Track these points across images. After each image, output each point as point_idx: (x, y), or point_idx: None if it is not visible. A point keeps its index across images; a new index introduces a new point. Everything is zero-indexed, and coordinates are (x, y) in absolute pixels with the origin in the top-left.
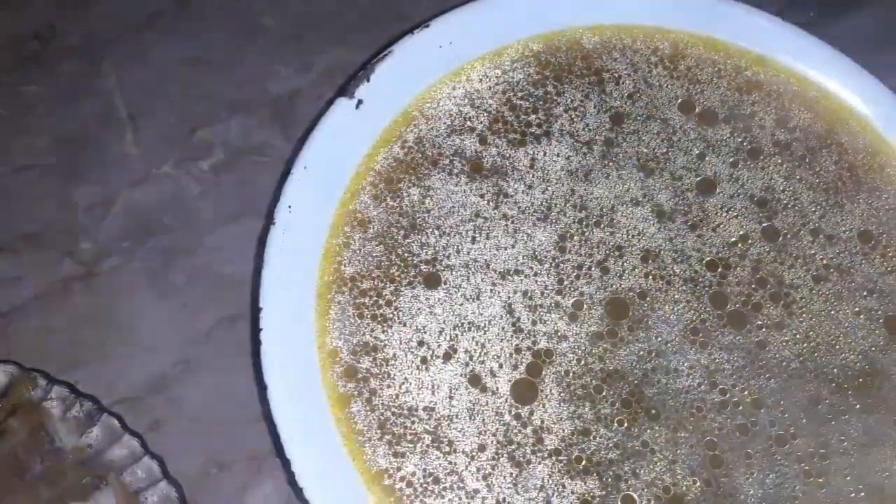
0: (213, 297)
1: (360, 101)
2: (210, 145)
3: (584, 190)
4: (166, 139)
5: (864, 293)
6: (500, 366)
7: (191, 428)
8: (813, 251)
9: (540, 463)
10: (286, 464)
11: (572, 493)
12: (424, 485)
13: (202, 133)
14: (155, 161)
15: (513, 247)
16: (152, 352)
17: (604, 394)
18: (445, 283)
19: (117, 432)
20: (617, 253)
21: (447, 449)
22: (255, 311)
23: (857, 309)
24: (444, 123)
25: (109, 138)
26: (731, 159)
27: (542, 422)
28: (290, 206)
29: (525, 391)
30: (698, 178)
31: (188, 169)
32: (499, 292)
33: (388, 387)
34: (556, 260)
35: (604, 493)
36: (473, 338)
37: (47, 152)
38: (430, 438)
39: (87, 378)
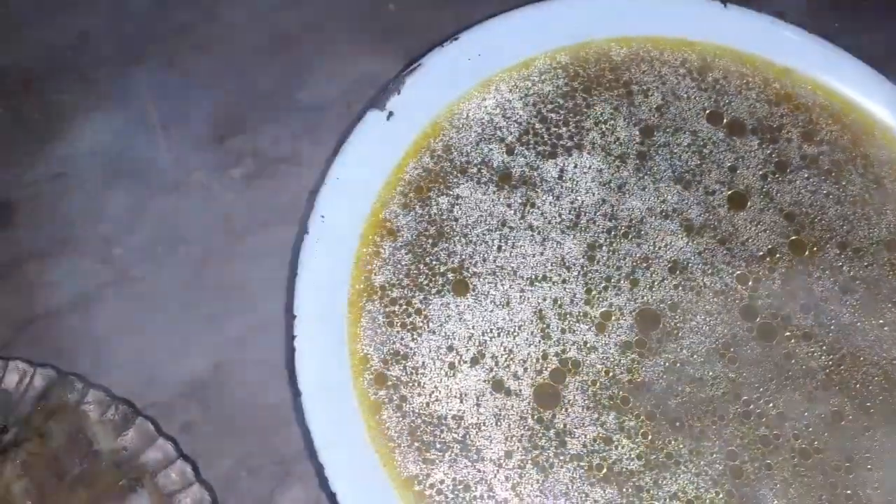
0: (245, 304)
1: (391, 113)
2: (241, 154)
3: (616, 200)
4: (197, 148)
5: (890, 305)
6: (525, 370)
7: (222, 432)
8: (840, 263)
9: (562, 467)
10: (319, 469)
11: (595, 501)
12: (455, 492)
13: (233, 142)
14: (186, 169)
15: (541, 254)
16: (185, 357)
17: (630, 405)
18: (474, 290)
19: (152, 435)
20: (644, 264)
21: (475, 457)
22: (290, 318)
23: (881, 321)
24: (475, 132)
25: (141, 146)
26: (760, 172)
27: (565, 426)
28: (322, 216)
29: (548, 396)
30: (730, 192)
31: (219, 177)
32: (528, 298)
33: (419, 395)
34: (585, 268)
35: (625, 502)
36: (502, 343)
37: (81, 160)
38: (459, 447)
39: (121, 382)
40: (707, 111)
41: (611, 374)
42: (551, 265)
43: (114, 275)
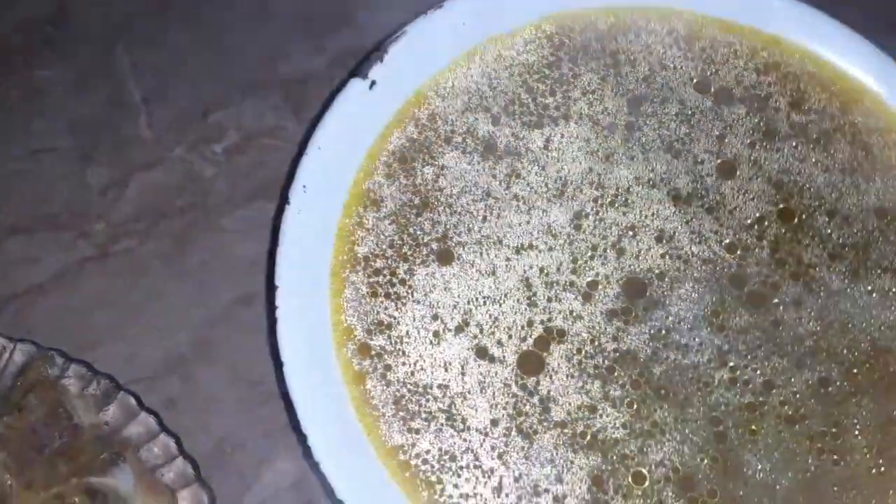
0: (228, 277)
1: (373, 82)
2: (223, 128)
3: (603, 169)
4: (179, 122)
5: (879, 271)
6: (510, 337)
7: (206, 406)
8: (829, 231)
9: (546, 433)
10: (302, 439)
11: (580, 468)
12: (441, 462)
13: (215, 116)
14: (168, 144)
15: (527, 223)
16: (167, 332)
17: (615, 374)
18: (459, 259)
19: (134, 410)
20: (631, 233)
21: (461, 426)
22: (271, 289)
23: (870, 287)
24: (460, 101)
25: (123, 121)
26: (748, 140)
27: (549, 392)
28: (304, 186)
29: (532, 363)
30: (719, 161)
31: (202, 152)
32: (514, 267)
33: (403, 364)
34: (572, 237)
35: (611, 468)
36: (487, 311)
37: (62, 135)
38: (445, 416)
39: (102, 358)
40: (694, 80)
41: (596, 342)
42: (537, 234)
43: (95, 250)
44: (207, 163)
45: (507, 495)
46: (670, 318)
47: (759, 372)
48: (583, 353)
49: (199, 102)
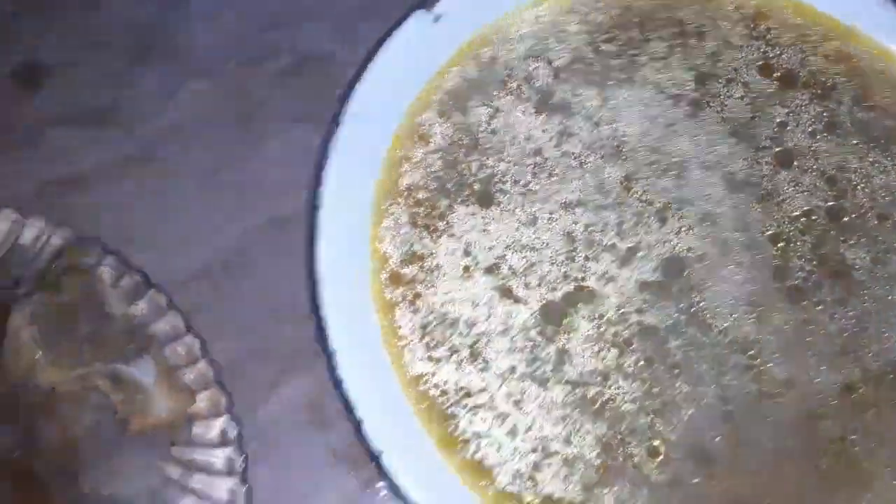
0: (268, 196)
1: (438, 16)
2: (278, 48)
3: (662, 135)
4: (236, 37)
5: None
6: (539, 285)
7: (232, 317)
8: (877, 234)
9: (557, 386)
10: (329, 356)
11: (587, 432)
12: (458, 395)
13: (272, 35)
14: (222, 57)
15: (578, 179)
16: (203, 240)
17: (633, 347)
18: (500, 205)
19: (162, 308)
20: (678, 208)
21: (482, 366)
22: (312, 208)
23: None
24: (524, 47)
25: (180, 28)
26: (809, 129)
27: (566, 348)
28: (355, 113)
29: (555, 315)
30: (778, 150)
31: (254, 69)
32: (557, 220)
33: (433, 295)
34: (620, 200)
35: (618, 439)
36: (523, 257)
37: (118, 33)
38: (468, 353)
39: (136, 256)
40: (759, 62)
41: (622, 310)
42: (586, 191)
43: (139, 151)
44: (258, 80)
45: (522, 441)
46: (703, 302)
47: (782, 365)
48: (605, 318)
49: (257, 19)
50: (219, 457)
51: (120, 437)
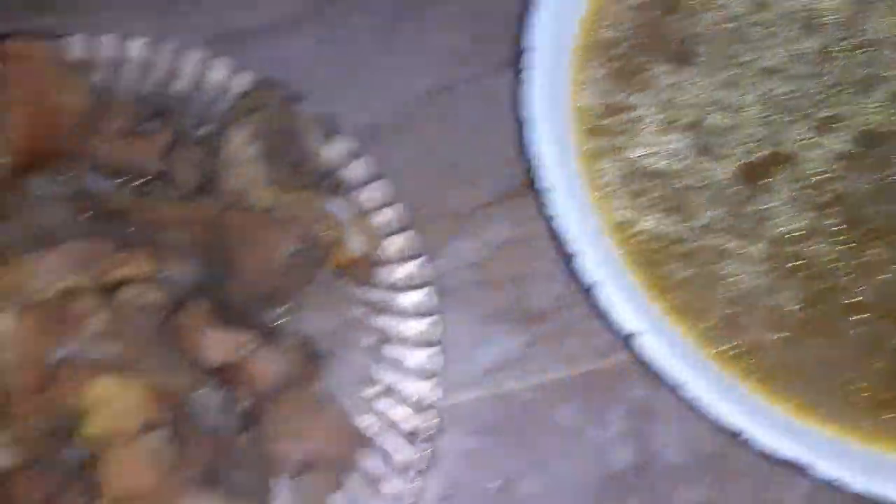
0: (467, 47)
1: None
2: None
3: (856, 12)
4: None
5: None
6: (738, 146)
7: (423, 162)
8: None
9: (759, 242)
10: (542, 192)
11: (790, 288)
12: (662, 244)
13: None
14: None
15: (777, 47)
16: (395, 87)
17: (834, 209)
18: (699, 66)
19: (355, 153)
20: (875, 82)
21: (683, 217)
22: (520, 52)
23: None
24: None
25: None
26: None
27: (766, 208)
28: None
29: (755, 175)
30: None
31: None
32: (756, 84)
33: (635, 146)
34: (820, 69)
35: (812, 298)
36: (722, 118)
37: None
38: (669, 204)
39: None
40: None
41: (818, 178)
42: (783, 60)
43: (307, 6)
44: None
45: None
46: None
47: None
48: (803, 182)
49: None
50: (408, 301)
51: (316, 270)
